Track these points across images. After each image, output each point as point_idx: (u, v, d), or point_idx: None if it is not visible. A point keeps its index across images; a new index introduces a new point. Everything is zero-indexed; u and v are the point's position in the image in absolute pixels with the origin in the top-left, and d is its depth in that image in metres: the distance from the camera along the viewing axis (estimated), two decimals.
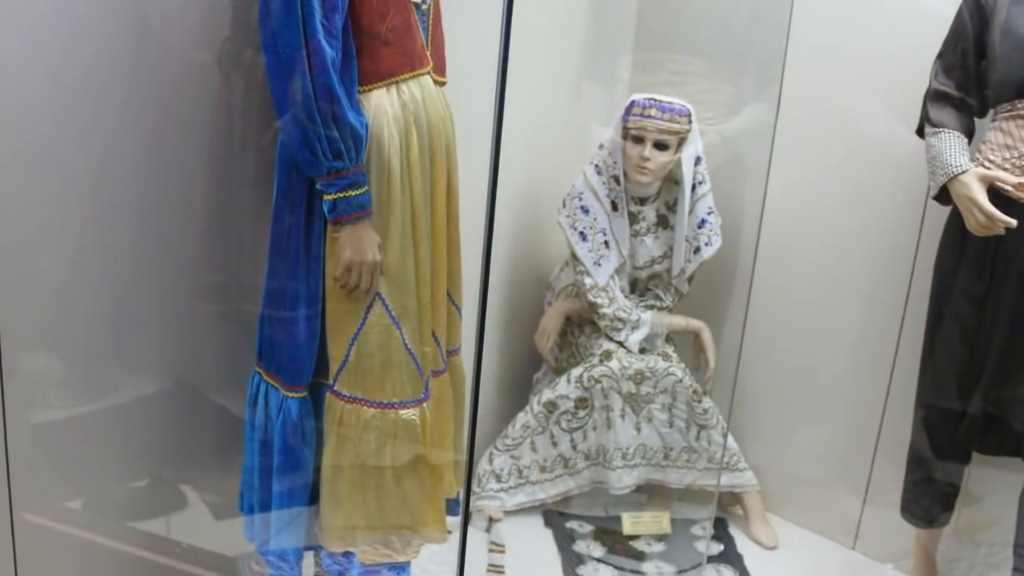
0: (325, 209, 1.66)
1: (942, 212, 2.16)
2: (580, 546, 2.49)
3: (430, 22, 1.78)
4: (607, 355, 2.50)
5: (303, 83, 1.57)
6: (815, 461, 2.69)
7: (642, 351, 2.53)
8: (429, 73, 1.78)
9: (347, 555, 1.92)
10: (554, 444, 2.56)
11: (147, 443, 1.96)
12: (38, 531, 1.78)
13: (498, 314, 2.71)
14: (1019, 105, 1.97)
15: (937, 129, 2.07)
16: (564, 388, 2.51)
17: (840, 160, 2.49)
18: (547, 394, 2.53)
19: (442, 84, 1.84)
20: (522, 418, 2.56)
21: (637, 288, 2.65)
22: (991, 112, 2.08)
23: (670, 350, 2.56)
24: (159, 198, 1.87)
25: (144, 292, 1.87)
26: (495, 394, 2.75)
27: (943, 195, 2.07)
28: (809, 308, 2.61)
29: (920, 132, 2.16)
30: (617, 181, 2.48)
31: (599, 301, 2.51)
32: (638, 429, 2.53)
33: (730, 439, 2.58)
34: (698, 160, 2.47)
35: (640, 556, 2.48)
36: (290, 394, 1.76)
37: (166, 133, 1.84)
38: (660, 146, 2.41)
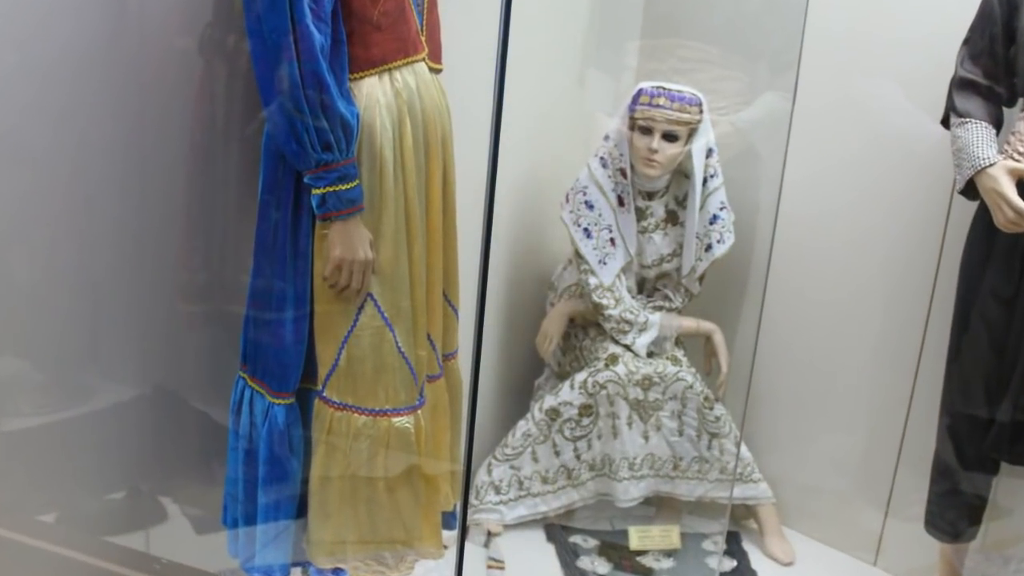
0: (314, 204, 1.66)
1: (968, 207, 2.16)
2: (584, 562, 2.49)
3: (425, 5, 1.78)
4: (613, 359, 2.50)
5: (290, 70, 1.57)
6: (834, 472, 2.69)
7: (650, 355, 2.53)
8: (424, 60, 1.77)
9: (337, 572, 1.92)
10: (557, 454, 2.55)
11: (125, 452, 1.96)
12: (9, 545, 1.78)
13: (497, 316, 2.71)
14: None
15: (963, 119, 2.07)
16: (567, 394, 2.51)
17: (860, 152, 2.49)
18: (549, 401, 2.53)
19: (438, 71, 1.84)
20: (523, 426, 2.56)
21: (645, 288, 2.65)
22: (1020, 101, 2.07)
23: (680, 354, 2.56)
24: (137, 192, 1.87)
25: (122, 292, 1.87)
26: (494, 401, 2.75)
27: (969, 189, 2.07)
28: (827, 309, 2.61)
29: (945, 122, 2.16)
30: (624, 174, 2.48)
31: (604, 302, 2.51)
32: (646, 438, 2.53)
33: (743, 448, 2.58)
34: (710, 152, 2.47)
35: (648, 572, 2.48)
36: (276, 401, 1.76)
37: (145, 123, 1.84)
38: (669, 137, 2.41)
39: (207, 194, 1.94)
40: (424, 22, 1.78)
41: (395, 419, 1.78)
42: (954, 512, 2.22)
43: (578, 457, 2.56)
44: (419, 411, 1.82)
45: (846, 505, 2.68)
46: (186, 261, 1.95)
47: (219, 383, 1.91)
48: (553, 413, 2.53)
